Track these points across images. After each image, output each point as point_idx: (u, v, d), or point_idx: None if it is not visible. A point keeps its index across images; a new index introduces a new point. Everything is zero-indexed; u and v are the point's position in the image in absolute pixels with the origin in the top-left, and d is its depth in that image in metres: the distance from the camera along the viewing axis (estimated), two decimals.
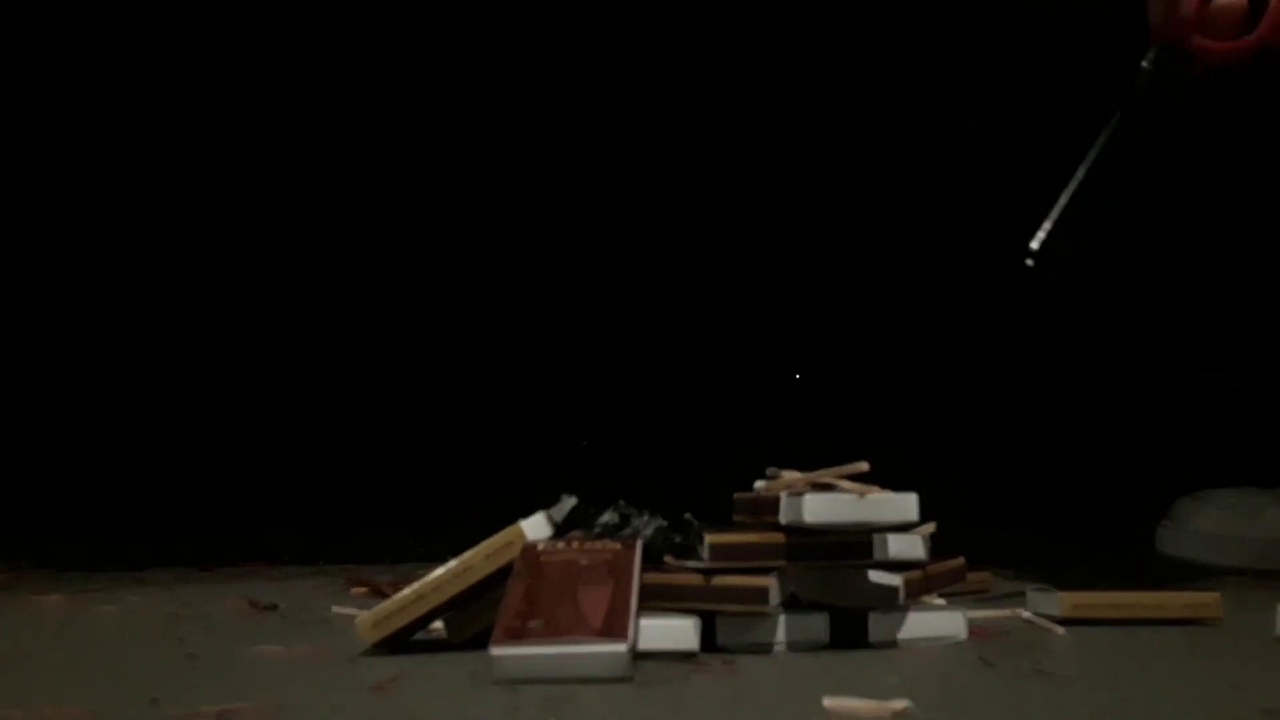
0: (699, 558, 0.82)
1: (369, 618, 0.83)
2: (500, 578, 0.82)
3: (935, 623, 0.86)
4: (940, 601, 0.92)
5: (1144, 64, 1.02)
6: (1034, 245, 1.01)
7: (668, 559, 0.86)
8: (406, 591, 0.83)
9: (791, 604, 0.85)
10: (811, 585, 0.86)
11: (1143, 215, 1.54)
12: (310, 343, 1.82)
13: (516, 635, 0.73)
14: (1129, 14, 1.04)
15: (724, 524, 0.88)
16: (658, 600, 0.82)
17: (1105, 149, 1.02)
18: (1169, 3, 1.00)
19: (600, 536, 0.86)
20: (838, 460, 0.84)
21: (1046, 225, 1.01)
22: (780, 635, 0.82)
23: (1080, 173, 1.02)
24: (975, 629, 0.89)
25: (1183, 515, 1.38)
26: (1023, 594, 0.99)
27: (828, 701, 0.65)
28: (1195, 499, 1.38)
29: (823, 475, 0.85)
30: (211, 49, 1.77)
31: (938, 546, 0.91)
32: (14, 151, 1.75)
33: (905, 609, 0.85)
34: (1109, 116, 1.03)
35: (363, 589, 1.16)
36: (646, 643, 0.77)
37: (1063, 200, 1.02)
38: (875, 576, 0.85)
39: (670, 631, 0.79)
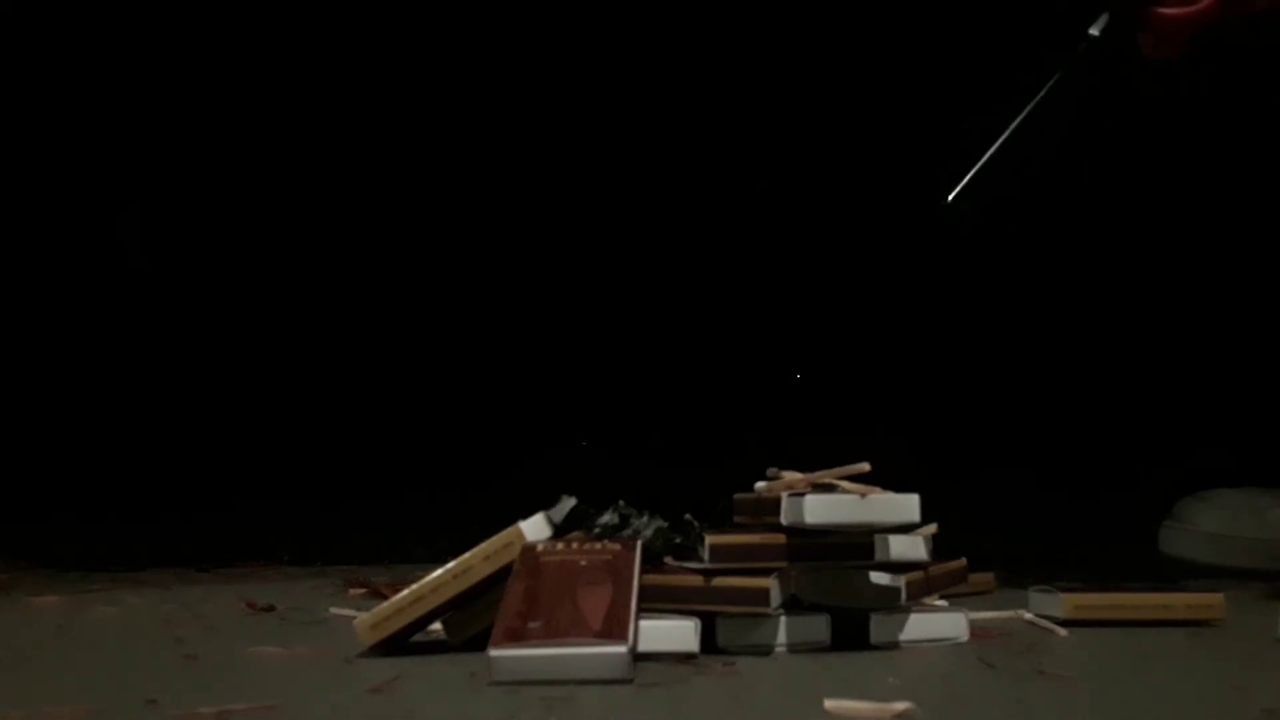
0: (699, 559, 0.82)
1: (368, 619, 0.83)
2: (499, 579, 0.82)
3: (937, 624, 0.86)
4: (942, 603, 0.92)
5: (1091, 31, 1.04)
6: (950, 197, 1.03)
7: (668, 560, 0.86)
8: (405, 593, 0.82)
9: (792, 605, 0.85)
10: (813, 586, 0.86)
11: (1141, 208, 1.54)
12: (309, 343, 1.82)
13: (516, 636, 0.73)
14: None
15: (723, 523, 0.88)
16: (658, 601, 0.82)
17: (1039, 109, 1.04)
18: None
19: (600, 537, 0.86)
20: (839, 461, 0.84)
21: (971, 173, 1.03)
22: (781, 637, 0.82)
23: (1011, 127, 1.03)
24: (977, 630, 0.88)
25: (1185, 515, 1.38)
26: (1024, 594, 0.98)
27: (829, 703, 0.64)
28: (1197, 499, 1.38)
29: (824, 476, 0.84)
30: (212, 49, 1.77)
31: (939, 547, 0.91)
32: (14, 151, 1.75)
33: (907, 610, 0.85)
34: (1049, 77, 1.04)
35: (361, 590, 1.16)
36: (646, 644, 0.77)
37: (990, 150, 1.03)
38: (876, 578, 0.85)
39: (670, 633, 0.79)
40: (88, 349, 1.81)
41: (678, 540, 0.86)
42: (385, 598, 0.87)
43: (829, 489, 0.83)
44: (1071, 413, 1.67)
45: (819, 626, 0.83)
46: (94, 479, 1.74)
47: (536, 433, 1.75)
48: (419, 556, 1.31)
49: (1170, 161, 1.58)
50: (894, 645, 0.84)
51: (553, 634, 0.72)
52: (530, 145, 1.78)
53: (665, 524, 0.87)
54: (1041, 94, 1.03)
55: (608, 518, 0.88)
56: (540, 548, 0.83)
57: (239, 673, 0.79)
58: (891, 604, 0.84)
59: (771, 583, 0.80)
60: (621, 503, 0.90)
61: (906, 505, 0.82)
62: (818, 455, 0.87)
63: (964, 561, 0.96)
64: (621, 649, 0.71)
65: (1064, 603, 0.93)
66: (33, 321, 1.79)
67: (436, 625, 0.85)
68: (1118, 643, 0.87)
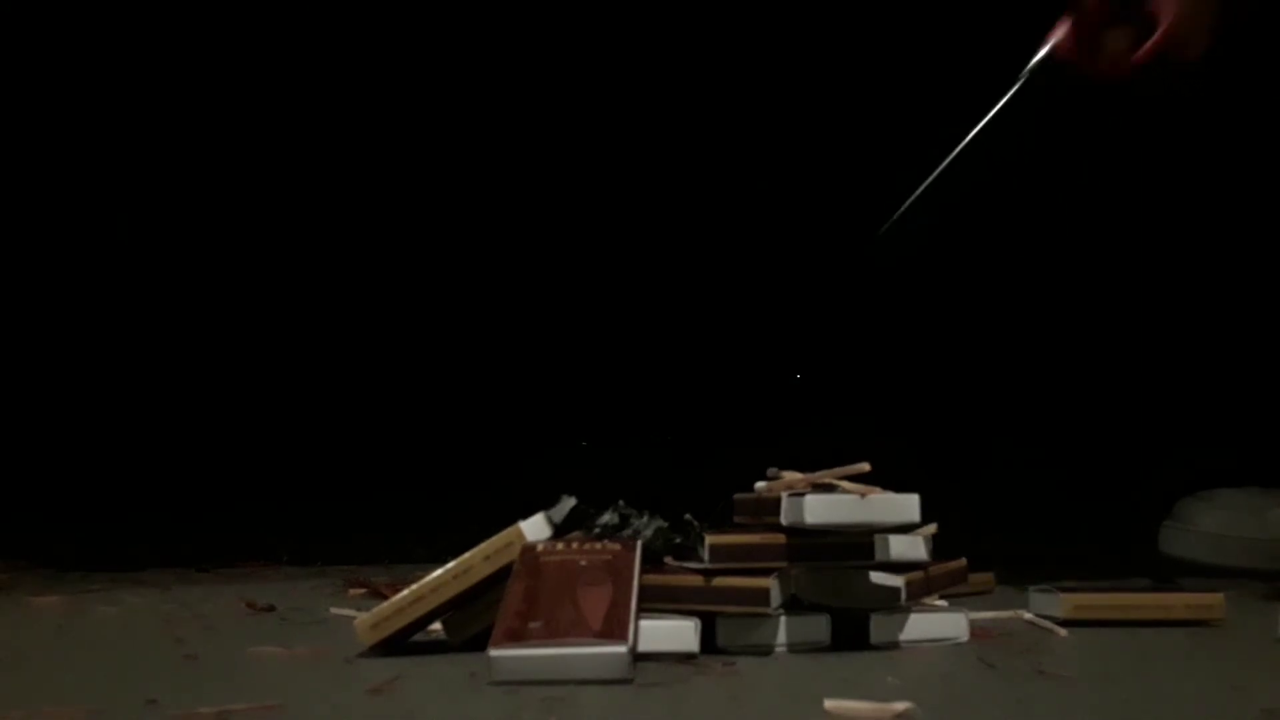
0: (699, 559, 0.82)
1: (368, 619, 0.83)
2: (499, 579, 0.82)
3: (937, 624, 0.86)
4: (942, 603, 0.92)
5: (1026, 71, 1.04)
6: (881, 230, 1.03)
7: (668, 560, 0.86)
8: (405, 593, 0.82)
9: (792, 605, 0.85)
10: (813, 586, 0.86)
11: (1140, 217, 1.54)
12: (310, 343, 1.82)
13: (516, 636, 0.73)
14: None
15: (723, 523, 0.88)
16: (658, 601, 0.82)
17: (971, 145, 1.04)
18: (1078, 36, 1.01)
19: (600, 537, 0.86)
20: (839, 461, 0.84)
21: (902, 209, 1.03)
22: (781, 637, 0.82)
23: (943, 164, 1.04)
24: (977, 630, 0.88)
25: (1185, 515, 1.38)
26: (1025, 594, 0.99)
27: (829, 703, 0.64)
28: (1198, 499, 1.38)
29: (824, 476, 0.84)
30: (211, 49, 1.77)
31: (939, 547, 0.91)
32: (14, 151, 1.75)
33: (907, 610, 0.85)
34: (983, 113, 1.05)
35: (361, 590, 1.16)
36: (646, 644, 0.77)
37: (921, 188, 1.04)
38: (877, 578, 0.85)
39: (670, 633, 0.79)
40: (87, 349, 1.81)
41: (678, 540, 0.86)
42: (385, 598, 0.87)
43: (829, 489, 0.83)
44: (1072, 413, 1.67)
45: (819, 626, 0.83)
46: (94, 479, 1.74)
47: (536, 433, 1.75)
48: (419, 556, 1.31)
49: (1170, 162, 1.58)
50: (894, 645, 0.84)
51: (553, 634, 0.72)
52: (530, 146, 1.78)
53: (665, 524, 0.87)
54: (977, 129, 1.04)
55: (608, 518, 0.88)
56: (540, 548, 0.83)
57: (239, 673, 0.79)
58: (891, 604, 0.84)
59: (771, 583, 0.80)
60: (621, 503, 0.90)
61: (906, 505, 0.82)
62: (818, 455, 0.87)
63: (964, 561, 0.96)
64: (621, 649, 0.71)
65: (1064, 603, 0.93)
66: (32, 321, 1.79)
67: (436, 625, 0.85)
68: (1118, 643, 0.87)
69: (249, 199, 1.82)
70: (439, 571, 0.83)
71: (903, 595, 0.84)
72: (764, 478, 0.89)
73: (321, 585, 1.23)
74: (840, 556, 0.84)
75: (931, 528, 0.88)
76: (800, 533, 0.82)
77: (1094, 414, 1.67)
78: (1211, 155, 1.55)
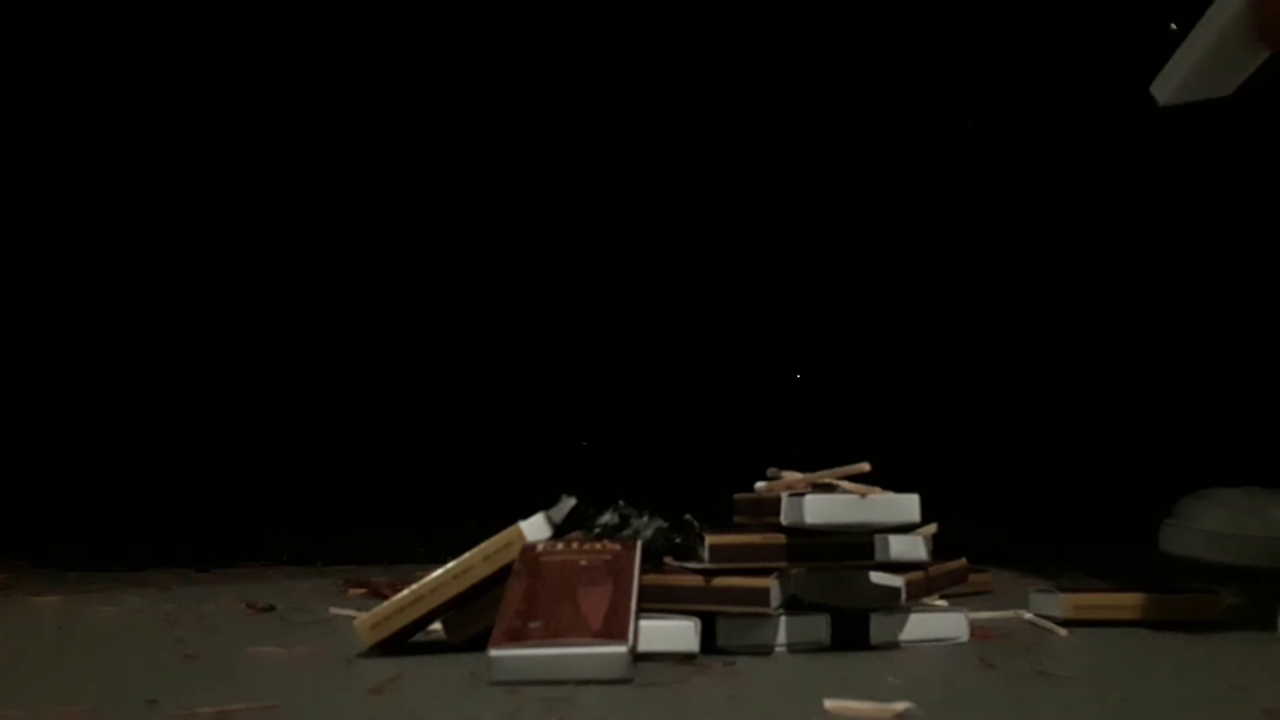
0: (699, 559, 0.82)
1: (368, 619, 0.83)
2: (499, 579, 0.82)
3: (937, 624, 0.86)
4: (942, 603, 0.92)
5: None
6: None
7: (668, 560, 0.86)
8: (405, 593, 0.82)
9: (792, 605, 0.85)
10: (813, 586, 0.86)
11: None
12: (309, 343, 1.82)
13: (516, 636, 0.73)
14: None
15: (724, 524, 0.88)
16: (658, 601, 0.82)
17: None
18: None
19: (600, 537, 0.86)
20: (839, 461, 0.84)
21: None
22: (781, 637, 0.82)
23: None
24: (977, 630, 0.88)
25: (1185, 514, 1.38)
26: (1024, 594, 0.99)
27: (829, 703, 0.64)
28: (1198, 497, 1.38)
29: (824, 476, 0.84)
30: (211, 48, 1.77)
31: (940, 547, 0.91)
32: (13, 151, 1.75)
33: (907, 610, 0.85)
34: None
35: (361, 590, 1.16)
36: (646, 644, 0.77)
37: None
38: (877, 578, 0.85)
39: (670, 633, 0.79)
40: (87, 349, 1.81)
41: (678, 540, 0.86)
42: (385, 598, 0.87)
43: (829, 489, 0.83)
44: (1072, 412, 1.67)
45: (819, 626, 0.83)
46: (94, 479, 1.74)
47: (536, 433, 1.75)
48: (419, 556, 1.31)
49: (1169, 161, 1.58)
50: (894, 645, 0.84)
51: (553, 634, 0.72)
52: (529, 145, 1.78)
53: (665, 524, 0.88)
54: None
55: (608, 518, 0.88)
56: (540, 548, 0.83)
57: (239, 673, 0.79)
58: (891, 604, 0.84)
59: (771, 583, 0.80)
60: (621, 503, 0.90)
61: (906, 505, 0.82)
62: (818, 455, 0.87)
63: (964, 561, 0.96)
64: (621, 649, 0.71)
65: (1064, 603, 0.93)
66: (32, 321, 1.79)
67: (436, 625, 0.85)
68: (1118, 643, 0.87)
69: (249, 200, 1.82)
70: (439, 571, 0.83)
71: (903, 595, 0.84)
72: (764, 478, 0.89)
73: (321, 585, 1.23)
74: (840, 556, 0.84)
75: (931, 528, 0.88)
76: (800, 533, 0.82)
77: (1094, 413, 1.67)
78: (1212, 154, 1.55)
